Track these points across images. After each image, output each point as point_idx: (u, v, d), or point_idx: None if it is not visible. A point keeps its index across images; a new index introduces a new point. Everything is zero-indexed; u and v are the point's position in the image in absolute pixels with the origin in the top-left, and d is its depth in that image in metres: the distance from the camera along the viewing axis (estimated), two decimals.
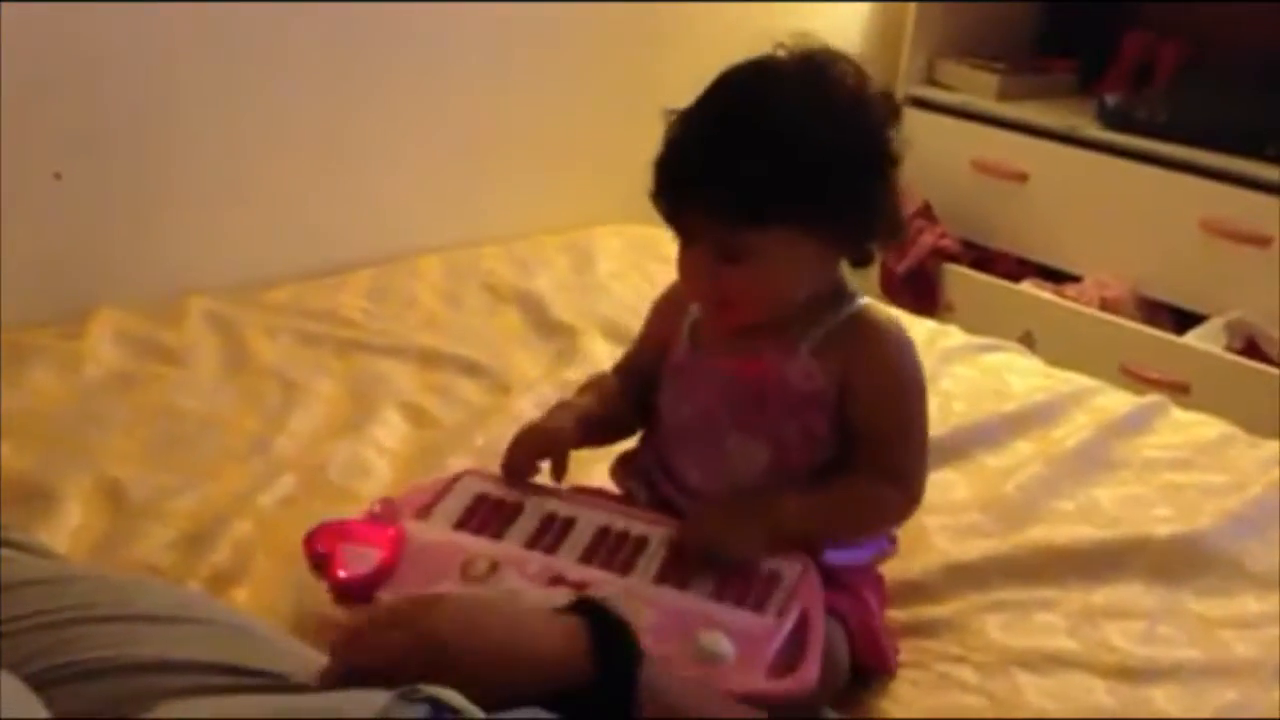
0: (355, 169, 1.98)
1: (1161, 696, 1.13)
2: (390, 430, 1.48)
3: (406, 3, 1.95)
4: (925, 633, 1.22)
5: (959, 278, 2.49)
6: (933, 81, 2.68)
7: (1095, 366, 2.03)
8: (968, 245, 2.57)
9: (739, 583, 1.09)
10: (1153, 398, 1.71)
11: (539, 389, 1.59)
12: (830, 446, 1.16)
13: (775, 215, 1.09)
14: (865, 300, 1.19)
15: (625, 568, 1.11)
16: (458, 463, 1.37)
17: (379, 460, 1.41)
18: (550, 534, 1.15)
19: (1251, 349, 2.23)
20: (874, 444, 1.16)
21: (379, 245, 2.00)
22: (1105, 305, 2.37)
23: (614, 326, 1.78)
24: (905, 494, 1.17)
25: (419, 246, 2.02)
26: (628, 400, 1.27)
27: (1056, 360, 1.90)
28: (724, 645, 1.01)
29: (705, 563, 1.10)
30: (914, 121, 2.64)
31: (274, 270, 1.88)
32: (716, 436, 1.17)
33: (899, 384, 1.17)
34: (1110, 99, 2.46)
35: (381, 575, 1.08)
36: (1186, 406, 1.76)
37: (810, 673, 1.02)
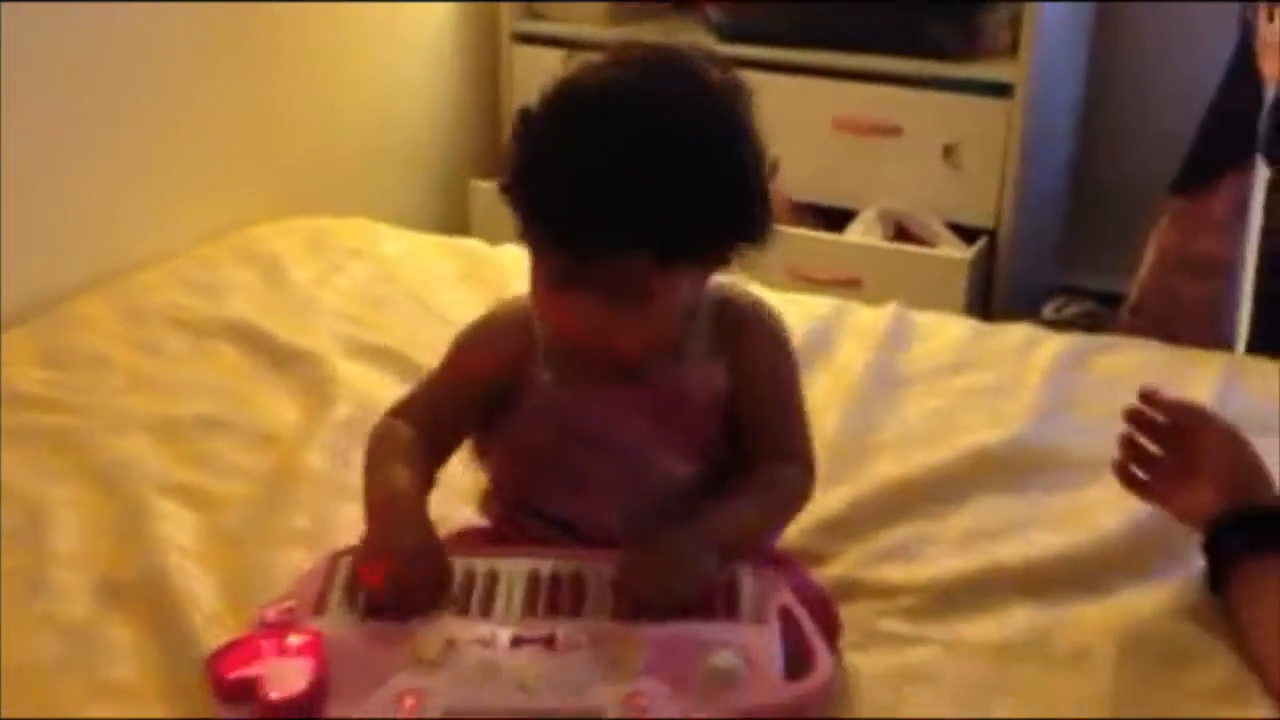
0: None
1: (1083, 599, 1.17)
2: (179, 525, 1.25)
3: None
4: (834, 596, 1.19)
5: None
6: (536, 15, 2.60)
7: (765, 274, 2.07)
8: None
9: (701, 602, 1.00)
10: (891, 306, 1.76)
11: (318, 436, 1.40)
12: (723, 445, 1.11)
13: (698, 253, 1.00)
14: (716, 280, 1.11)
15: (575, 612, 1.00)
16: (290, 554, 1.21)
17: (192, 566, 1.19)
18: (477, 595, 1.01)
19: (902, 234, 2.36)
20: (769, 430, 1.12)
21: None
22: None
23: (351, 343, 1.61)
24: (808, 470, 1.14)
25: (51, 288, 1.70)
26: (437, 459, 1.12)
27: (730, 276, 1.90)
28: (733, 661, 0.93)
29: (657, 604, 0.99)
30: (526, 59, 2.58)
31: None
32: (624, 465, 1.08)
33: (784, 365, 1.14)
34: (714, 13, 2.49)
35: (320, 686, 0.91)
36: (864, 299, 1.82)
37: (826, 662, 0.96)
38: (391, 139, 2.43)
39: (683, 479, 1.09)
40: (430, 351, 1.58)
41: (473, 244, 1.95)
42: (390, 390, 1.51)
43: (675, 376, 1.08)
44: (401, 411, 1.14)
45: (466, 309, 1.71)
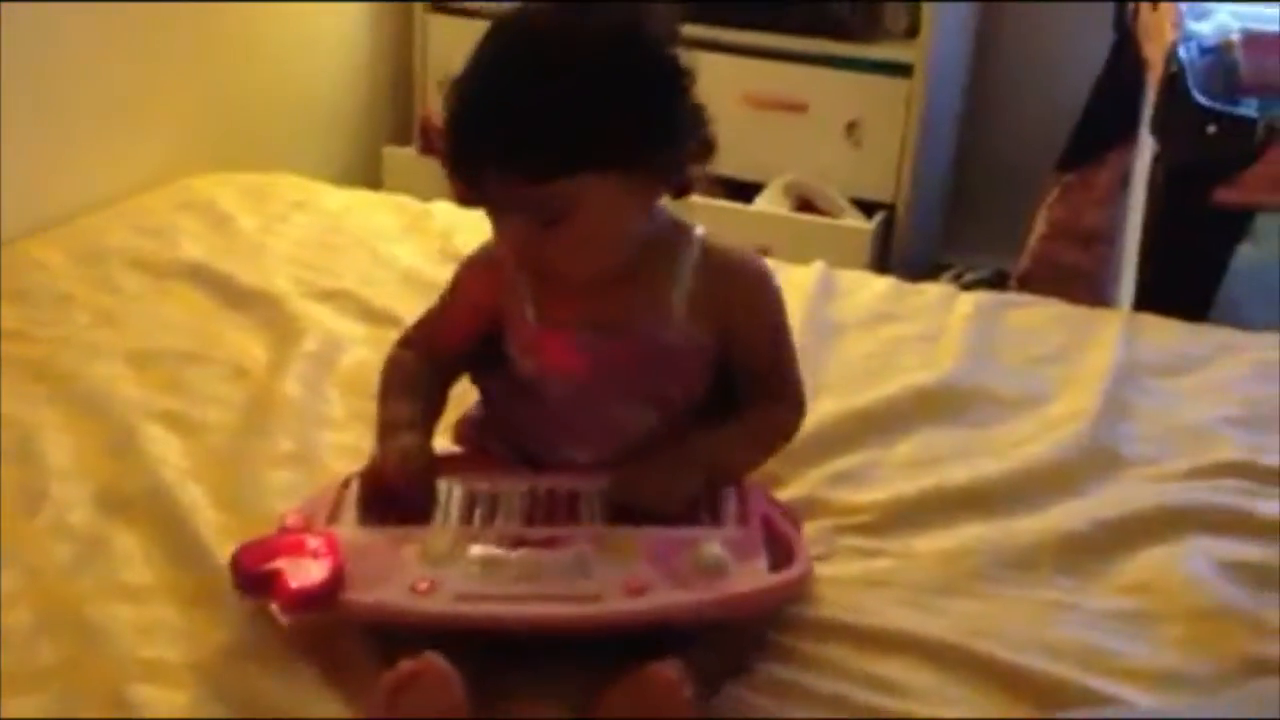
0: None
1: (1021, 514, 1.28)
2: (169, 447, 1.28)
3: None
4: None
5: None
6: None
7: None
8: None
9: (688, 513, 1.10)
10: (818, 264, 1.87)
11: (290, 368, 1.45)
12: (706, 390, 1.18)
13: (582, 159, 1.02)
14: (702, 231, 1.18)
15: (572, 521, 1.08)
16: (280, 475, 1.26)
17: (189, 482, 1.23)
18: (479, 508, 1.09)
19: (805, 206, 2.49)
20: (762, 376, 1.20)
21: None
22: None
23: (308, 286, 1.66)
24: (797, 409, 1.23)
25: None
26: (446, 382, 1.21)
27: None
28: (721, 552, 1.03)
29: (647, 517, 1.08)
30: (439, 28, 2.62)
31: None
32: (599, 409, 1.15)
33: (775, 317, 1.20)
34: None
35: (337, 579, 0.98)
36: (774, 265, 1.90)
37: (805, 556, 1.08)
38: (308, 105, 2.45)
39: (652, 428, 1.16)
40: (385, 296, 1.65)
41: (408, 200, 2.00)
42: (352, 329, 1.57)
43: (655, 332, 1.13)
44: (408, 341, 1.21)
45: (414, 258, 1.79)
